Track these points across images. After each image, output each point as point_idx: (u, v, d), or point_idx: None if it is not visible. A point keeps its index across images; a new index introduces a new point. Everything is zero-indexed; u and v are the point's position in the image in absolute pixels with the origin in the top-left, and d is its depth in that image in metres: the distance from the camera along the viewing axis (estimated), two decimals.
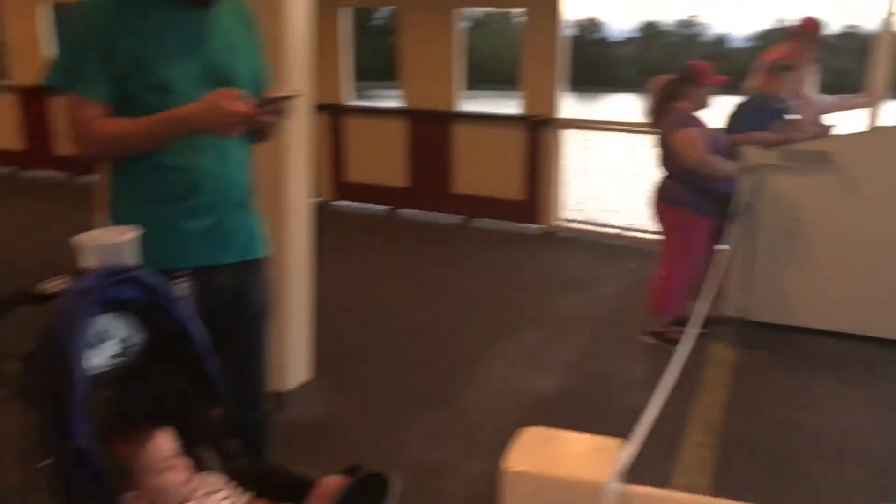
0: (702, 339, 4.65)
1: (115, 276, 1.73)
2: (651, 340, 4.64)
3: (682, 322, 4.30)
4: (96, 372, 1.69)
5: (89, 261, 1.77)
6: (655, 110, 4.55)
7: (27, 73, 8.95)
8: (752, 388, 4.06)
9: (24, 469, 1.64)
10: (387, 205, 7.89)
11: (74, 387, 1.53)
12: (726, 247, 4.58)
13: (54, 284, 1.70)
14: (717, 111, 4.64)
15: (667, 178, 4.55)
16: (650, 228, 6.50)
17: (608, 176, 10.38)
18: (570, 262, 6.45)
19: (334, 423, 3.62)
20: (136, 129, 2.03)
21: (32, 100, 9.02)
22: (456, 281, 5.84)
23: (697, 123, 4.42)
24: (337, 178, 7.98)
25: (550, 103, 6.94)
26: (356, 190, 7.98)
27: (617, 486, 0.86)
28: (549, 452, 0.87)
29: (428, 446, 3.38)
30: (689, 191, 4.43)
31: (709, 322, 4.79)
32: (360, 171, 7.91)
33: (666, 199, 4.54)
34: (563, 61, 6.87)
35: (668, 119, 4.44)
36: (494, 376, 4.10)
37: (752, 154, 4.64)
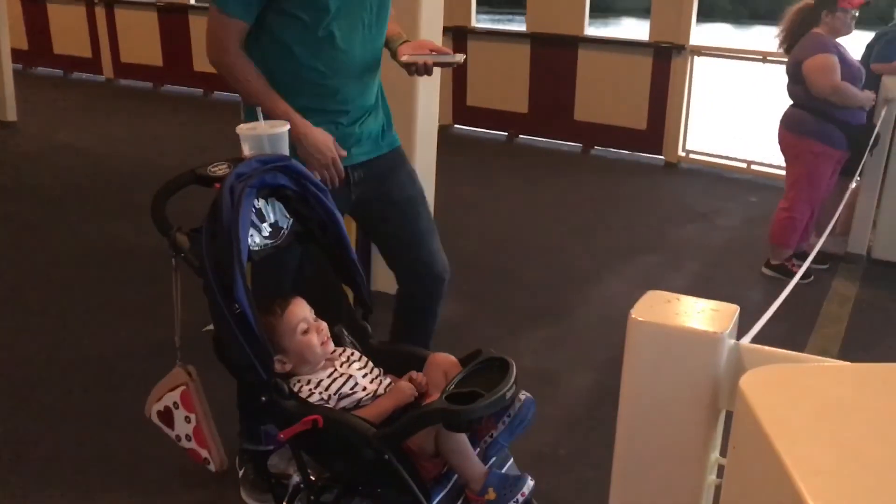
0: (823, 274, 4.58)
1: (269, 163, 1.91)
2: (771, 273, 4.59)
3: (804, 256, 4.25)
4: (252, 249, 1.88)
5: (247, 149, 1.96)
6: (789, 36, 4.40)
7: None
8: (871, 325, 3.99)
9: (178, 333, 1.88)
10: (506, 131, 7.94)
11: (237, 258, 1.72)
12: (854, 181, 4.45)
13: (218, 168, 1.89)
14: (855, 40, 4.45)
15: (795, 107, 4.42)
16: (777, 162, 6.35)
17: (738, 107, 10.04)
18: (692, 193, 6.37)
19: (450, 329, 3.80)
20: (255, 91, 2.21)
21: (172, 17, 9.47)
22: (574, 207, 5.89)
23: (833, 49, 4.25)
24: (457, 102, 8.06)
25: (680, 30, 6.76)
26: (476, 115, 8.05)
27: (732, 340, 0.95)
28: (670, 309, 0.97)
29: (541, 357, 3.51)
30: (819, 120, 4.30)
31: (831, 257, 4.70)
32: (480, 95, 7.96)
33: (793, 129, 4.42)
34: None
35: (803, 44, 4.30)
36: (608, 296, 4.18)
37: (891, 84, 4.44)
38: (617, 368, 1.04)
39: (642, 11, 7.23)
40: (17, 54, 8.22)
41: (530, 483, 1.82)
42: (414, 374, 1.95)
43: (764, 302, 1.35)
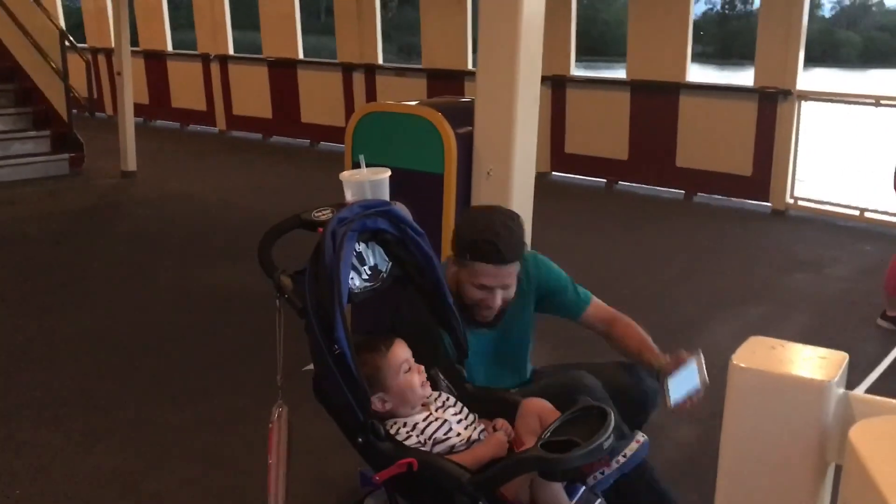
0: None
1: (370, 208, 1.96)
2: (887, 325, 4.36)
3: None
4: (353, 292, 1.92)
5: (349, 194, 2.02)
6: None
7: (275, 46, 9.83)
8: None
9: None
10: (605, 177, 7.88)
11: (338, 299, 1.76)
12: None
13: (322, 213, 1.95)
14: None
15: None
16: (893, 209, 6.06)
17: (850, 152, 9.67)
18: (801, 241, 6.14)
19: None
20: None
21: (281, 71, 9.89)
22: (678, 254, 5.76)
23: None
24: (556, 149, 8.07)
25: (787, 74, 6.60)
26: (575, 161, 8.04)
27: (841, 389, 0.91)
28: (774, 356, 0.94)
29: None
30: None
31: None
32: (579, 142, 7.96)
33: None
34: (802, 30, 6.50)
35: None
36: (711, 346, 4.02)
37: None
38: (721, 421, 1.01)
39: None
40: (138, 108, 8.73)
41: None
42: (501, 421, 1.95)
43: (879, 355, 1.29)
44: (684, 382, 2.03)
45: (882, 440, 0.75)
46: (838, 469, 0.82)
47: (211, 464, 2.94)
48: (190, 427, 3.21)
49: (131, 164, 7.93)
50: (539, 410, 1.91)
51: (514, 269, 2.26)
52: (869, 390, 1.03)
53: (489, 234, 2.22)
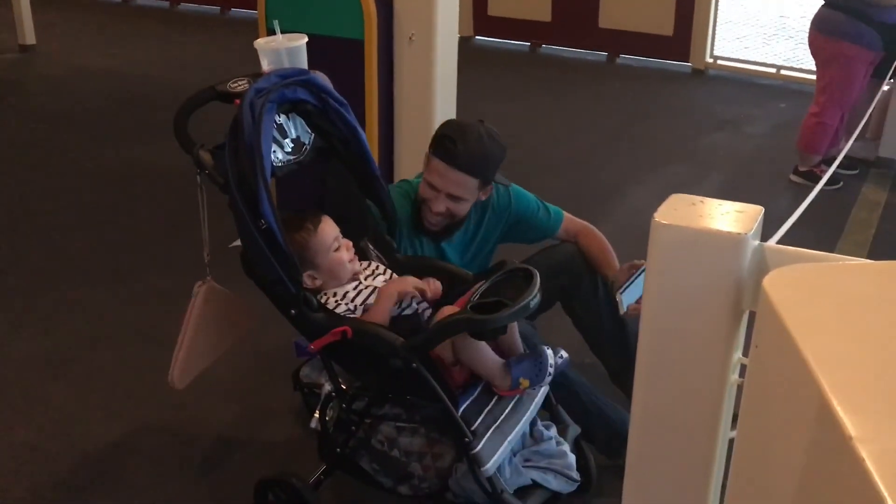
0: (853, 180, 4.52)
1: (288, 77, 1.90)
2: (799, 180, 4.53)
3: (833, 162, 4.17)
4: (275, 166, 1.89)
5: (266, 63, 1.95)
6: None
7: None
8: None
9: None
10: (529, 40, 7.77)
11: (261, 173, 1.73)
12: (887, 83, 4.33)
13: (238, 84, 1.88)
14: None
15: (828, 7, 4.27)
16: (808, 66, 6.18)
17: (767, 10, 9.72)
18: (720, 100, 6.24)
19: None
20: None
21: None
22: (600, 118, 5.81)
23: None
24: (478, 12, 7.88)
25: None
26: (498, 24, 7.88)
27: (756, 241, 0.95)
28: (694, 212, 0.97)
29: None
30: (853, 20, 4.15)
31: (861, 162, 4.62)
32: (502, 4, 7.78)
33: (825, 31, 4.28)
34: None
35: None
36: (634, 207, 4.16)
37: None
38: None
39: None
40: None
41: (549, 352, 1.87)
42: (431, 280, 1.99)
43: (791, 209, 1.34)
44: (635, 289, 2.11)
45: (792, 287, 0.79)
46: (752, 316, 0.87)
47: (143, 343, 2.94)
48: (120, 307, 3.18)
49: (29, 37, 7.43)
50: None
51: (464, 180, 2.17)
52: (781, 241, 1.07)
53: (455, 133, 2.16)
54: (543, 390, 1.97)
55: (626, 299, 2.09)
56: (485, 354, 1.87)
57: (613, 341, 2.37)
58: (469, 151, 2.15)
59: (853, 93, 4.32)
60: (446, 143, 2.15)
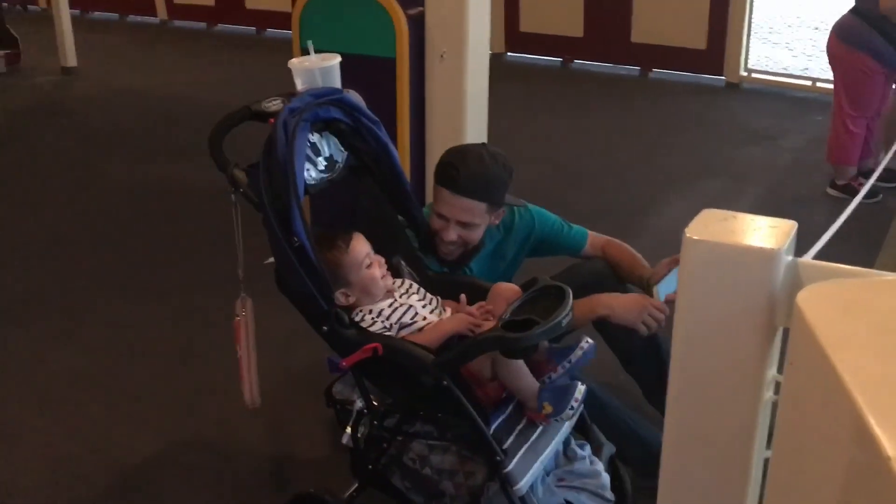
0: (891, 193, 4.44)
1: (322, 97, 1.92)
2: (836, 193, 4.46)
3: (870, 174, 4.11)
4: (308, 183, 1.90)
5: (300, 83, 1.97)
6: None
7: None
8: None
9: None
10: (561, 56, 7.76)
11: (293, 191, 1.75)
12: None
13: (272, 104, 1.91)
14: None
15: (852, 14, 4.20)
16: None
17: (803, 23, 9.63)
18: (754, 113, 6.18)
19: None
20: None
21: None
22: (633, 132, 5.78)
23: None
24: (510, 29, 7.90)
25: None
26: (530, 40, 7.89)
27: (790, 256, 0.94)
28: (726, 227, 0.96)
29: None
30: (872, 32, 4.08)
31: None
32: (534, 20, 7.79)
33: (843, 38, 4.20)
34: None
35: None
36: (668, 223, 4.13)
37: None
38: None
39: None
40: None
41: (581, 388, 1.85)
42: (462, 298, 1.99)
43: (829, 223, 1.32)
44: (671, 283, 2.11)
45: (826, 302, 0.77)
46: (786, 332, 0.86)
47: (181, 360, 2.98)
48: (156, 325, 3.22)
49: (71, 59, 7.61)
50: (507, 293, 1.93)
51: (470, 205, 2.14)
52: (817, 256, 1.06)
53: (456, 159, 2.15)
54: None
55: (662, 290, 2.08)
56: (522, 374, 1.87)
57: (646, 359, 2.35)
58: (472, 176, 2.13)
59: (873, 101, 4.25)
60: (448, 171, 2.14)
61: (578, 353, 1.90)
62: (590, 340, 1.93)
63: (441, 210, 2.17)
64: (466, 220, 2.17)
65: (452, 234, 2.18)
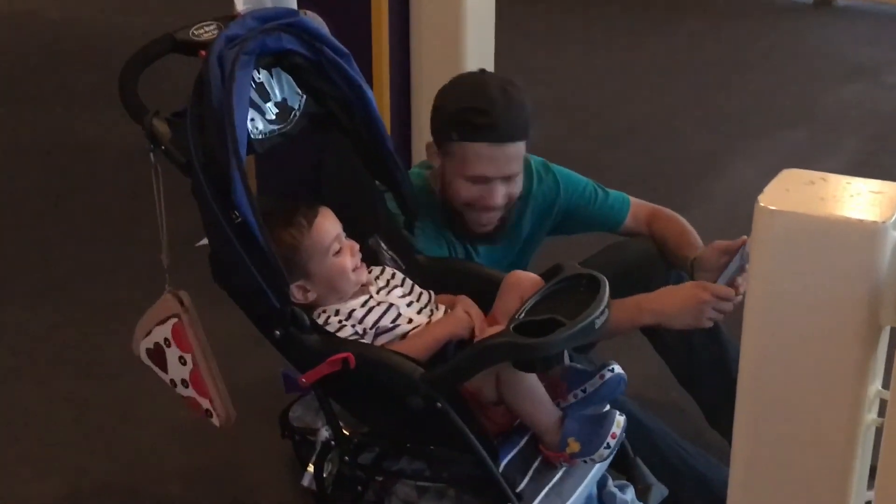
0: None
1: (270, 20, 1.90)
2: None
3: None
4: (254, 138, 1.89)
5: (241, 3, 1.96)
6: None
7: None
8: None
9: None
10: None
11: (233, 149, 1.73)
12: None
13: (203, 31, 1.89)
14: None
15: None
16: None
17: None
18: (852, 41, 6.15)
19: None
20: None
21: None
22: (688, 69, 5.75)
23: None
24: None
25: None
26: None
27: None
28: (812, 193, 0.96)
29: None
30: None
31: None
32: None
33: None
34: None
35: None
36: (736, 187, 4.12)
37: None
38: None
39: None
40: None
41: (620, 419, 1.85)
42: (462, 298, 1.99)
43: None
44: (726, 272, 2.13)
45: None
46: (894, 334, 0.86)
47: (83, 371, 2.97)
48: (52, 328, 3.21)
49: None
50: (525, 286, 1.92)
51: (516, 151, 2.17)
52: None
53: (482, 101, 2.13)
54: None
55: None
56: (537, 396, 1.86)
57: (711, 369, 2.35)
58: (509, 114, 2.14)
59: None
60: (477, 118, 2.12)
61: (596, 382, 1.89)
62: (617, 368, 1.91)
63: (482, 170, 2.16)
64: (515, 169, 2.20)
65: (499, 194, 2.19)
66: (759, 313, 0.97)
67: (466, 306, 1.98)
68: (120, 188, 4.05)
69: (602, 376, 1.89)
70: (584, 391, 1.90)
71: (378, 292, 1.99)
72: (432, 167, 2.31)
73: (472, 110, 2.13)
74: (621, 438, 1.86)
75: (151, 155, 1.85)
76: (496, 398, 1.88)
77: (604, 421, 1.85)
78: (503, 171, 2.17)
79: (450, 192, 2.22)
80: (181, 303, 1.97)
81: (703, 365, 2.36)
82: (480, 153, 2.14)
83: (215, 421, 2.01)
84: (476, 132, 2.13)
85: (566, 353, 1.94)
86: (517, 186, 2.24)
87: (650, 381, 2.26)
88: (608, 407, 1.94)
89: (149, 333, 2.01)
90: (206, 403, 2.00)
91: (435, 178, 2.29)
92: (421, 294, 2.03)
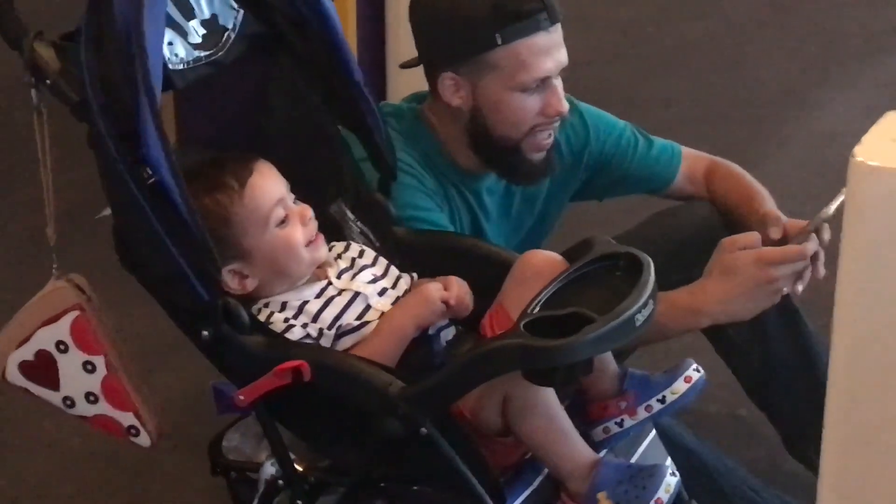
0: None
1: None
2: None
3: None
4: (173, 69, 1.88)
5: None
6: None
7: None
8: None
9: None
10: None
11: (143, 83, 1.70)
12: None
13: None
14: None
15: None
16: None
17: None
18: None
19: None
20: None
21: None
22: None
23: None
24: None
25: None
26: None
27: None
28: None
29: None
30: None
31: None
32: None
33: None
34: None
35: None
36: (825, 133, 4.13)
37: None
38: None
39: None
40: None
41: (670, 481, 1.84)
42: (451, 279, 1.97)
43: None
44: None
45: None
46: None
47: None
48: None
49: None
50: (545, 271, 1.89)
51: (560, 32, 2.23)
52: None
53: None
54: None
55: None
56: (555, 422, 1.85)
57: (791, 372, 2.38)
58: None
59: None
60: (525, 7, 2.16)
61: (681, 386, 1.89)
62: (697, 368, 1.91)
63: (542, 69, 2.20)
64: (566, 58, 2.25)
65: (563, 97, 2.24)
66: (854, 291, 0.97)
67: (447, 283, 1.96)
68: None
69: (688, 378, 1.89)
70: (661, 401, 1.90)
71: (339, 277, 1.97)
72: (427, 100, 2.32)
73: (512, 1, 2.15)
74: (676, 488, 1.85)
75: (33, 92, 1.83)
76: (502, 426, 1.87)
77: (650, 479, 1.83)
78: (560, 62, 2.23)
79: (500, 122, 2.24)
80: (81, 290, 1.95)
81: (781, 366, 2.38)
82: (538, 46, 2.19)
83: (143, 440, 2.00)
84: (530, 22, 2.16)
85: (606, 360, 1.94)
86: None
87: (709, 393, 2.25)
88: (651, 432, 1.93)
89: (25, 341, 1.99)
90: (128, 419, 1.98)
91: (441, 115, 2.29)
92: (399, 279, 2.02)
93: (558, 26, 2.21)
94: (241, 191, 1.90)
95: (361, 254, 2.03)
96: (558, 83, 2.22)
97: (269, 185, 1.93)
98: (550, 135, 2.26)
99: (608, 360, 1.95)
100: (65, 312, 1.95)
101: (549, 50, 2.18)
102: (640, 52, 4.87)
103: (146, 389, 1.99)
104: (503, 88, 2.20)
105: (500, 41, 2.16)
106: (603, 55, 4.70)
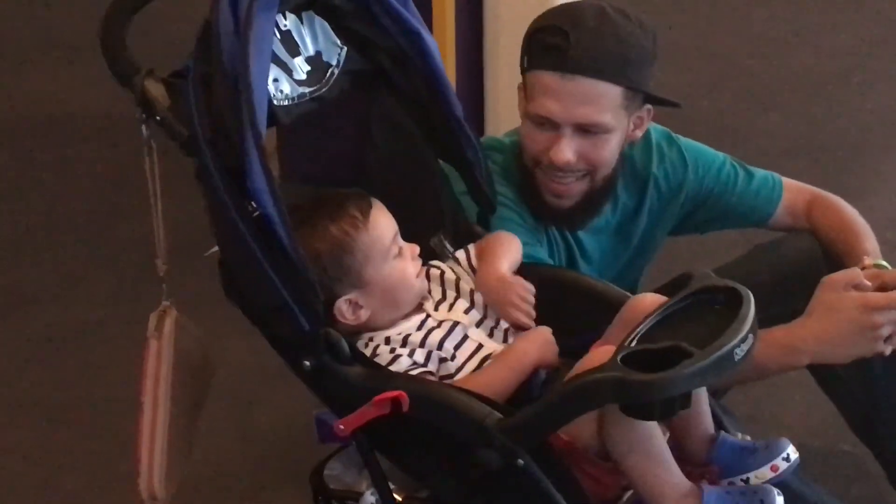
0: None
1: None
2: None
3: None
4: (278, 104, 1.90)
5: None
6: None
7: None
8: None
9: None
10: None
11: (248, 118, 1.73)
12: None
13: None
14: None
15: None
16: None
17: None
18: None
19: None
20: None
21: None
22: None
23: None
24: None
25: None
26: None
27: None
28: None
29: None
30: None
31: None
32: None
33: None
34: None
35: None
36: None
37: None
38: None
39: None
40: None
41: (780, 500, 1.81)
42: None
43: None
44: None
45: None
46: None
47: (55, 417, 3.01)
48: (7, 359, 3.25)
49: None
50: (652, 312, 1.84)
51: (596, 91, 2.16)
52: None
53: (563, 19, 2.16)
54: None
55: None
56: (653, 452, 1.83)
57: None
58: (594, 37, 2.14)
59: None
60: (550, 38, 2.14)
61: (767, 473, 1.86)
62: (793, 453, 1.88)
63: (543, 107, 2.17)
64: (593, 118, 2.17)
65: (568, 149, 2.18)
66: None
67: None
68: (104, 171, 4.07)
69: (775, 468, 1.86)
70: (744, 480, 1.87)
71: (437, 308, 2.00)
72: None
73: (546, 29, 2.16)
74: None
75: (143, 127, 1.86)
76: (600, 448, 1.86)
77: (766, 494, 1.80)
78: (573, 115, 2.16)
79: (522, 144, 2.25)
80: (160, 323, 1.99)
81: (887, 401, 2.34)
82: (545, 84, 2.16)
83: (139, 486, 2.02)
84: (544, 56, 2.16)
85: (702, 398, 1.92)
86: (602, 151, 2.22)
87: (812, 427, 2.23)
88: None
89: None
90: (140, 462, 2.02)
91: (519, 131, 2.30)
92: (487, 307, 2.03)
93: (585, 80, 2.13)
94: (366, 221, 1.93)
95: (457, 284, 2.05)
96: (567, 134, 2.16)
97: (388, 219, 1.96)
98: (564, 184, 2.23)
99: (704, 415, 1.95)
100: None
101: (557, 94, 2.15)
102: (745, 83, 4.82)
103: (165, 454, 2.00)
104: (523, 110, 2.24)
105: (526, 64, 2.19)
106: (700, 88, 4.66)
